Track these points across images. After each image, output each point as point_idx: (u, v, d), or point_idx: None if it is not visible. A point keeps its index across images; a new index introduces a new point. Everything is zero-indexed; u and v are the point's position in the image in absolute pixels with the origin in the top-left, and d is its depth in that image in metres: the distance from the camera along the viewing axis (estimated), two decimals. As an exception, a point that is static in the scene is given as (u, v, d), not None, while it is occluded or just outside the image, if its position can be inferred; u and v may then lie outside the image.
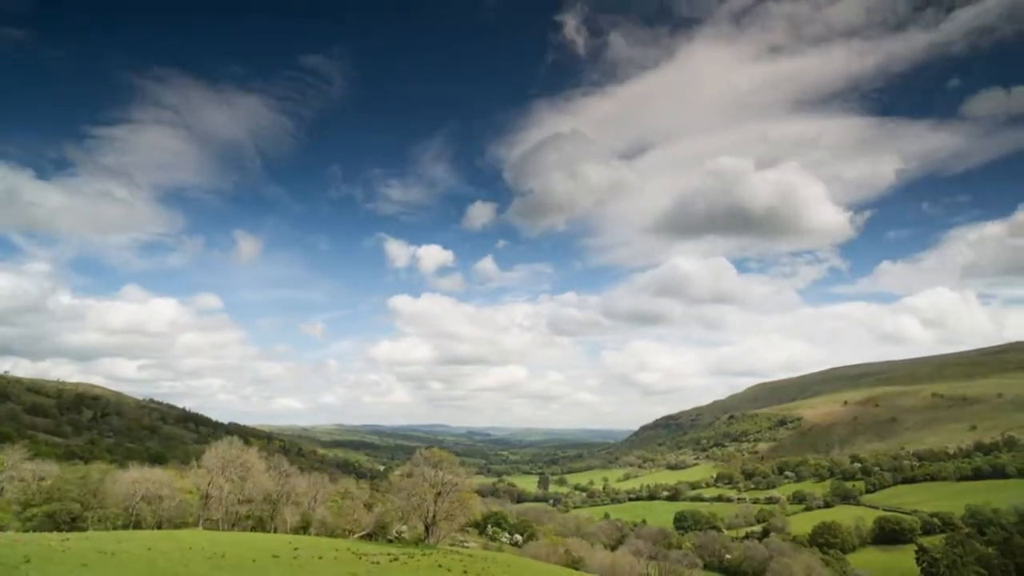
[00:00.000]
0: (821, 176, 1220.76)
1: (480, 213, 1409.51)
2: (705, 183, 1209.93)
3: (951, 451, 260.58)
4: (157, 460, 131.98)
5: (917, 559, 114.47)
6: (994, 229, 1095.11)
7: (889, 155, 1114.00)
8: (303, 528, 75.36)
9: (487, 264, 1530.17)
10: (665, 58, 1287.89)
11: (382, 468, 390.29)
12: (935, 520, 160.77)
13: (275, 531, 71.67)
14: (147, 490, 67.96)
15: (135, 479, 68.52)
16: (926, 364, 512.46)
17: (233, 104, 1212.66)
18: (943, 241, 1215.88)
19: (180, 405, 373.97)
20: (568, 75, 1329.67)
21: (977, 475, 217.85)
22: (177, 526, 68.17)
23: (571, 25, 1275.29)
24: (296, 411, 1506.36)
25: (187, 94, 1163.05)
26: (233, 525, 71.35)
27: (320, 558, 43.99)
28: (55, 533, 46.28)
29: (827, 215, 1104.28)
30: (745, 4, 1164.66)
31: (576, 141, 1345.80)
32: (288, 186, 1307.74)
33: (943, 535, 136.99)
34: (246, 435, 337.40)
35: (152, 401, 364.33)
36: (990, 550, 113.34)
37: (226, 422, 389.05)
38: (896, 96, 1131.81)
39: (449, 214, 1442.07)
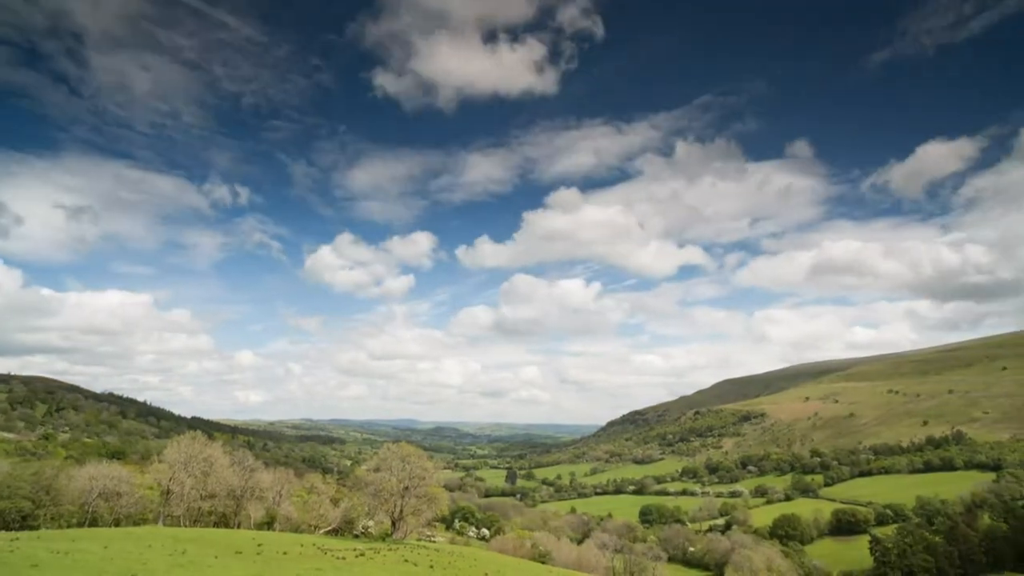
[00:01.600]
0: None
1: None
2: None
3: (904, 445, 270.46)
4: (116, 456, 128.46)
5: (870, 549, 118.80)
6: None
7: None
8: (267, 524, 74.41)
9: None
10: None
11: (349, 463, 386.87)
12: (888, 511, 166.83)
13: (239, 527, 70.58)
14: (104, 487, 66.20)
15: (92, 475, 66.66)
16: (883, 362, 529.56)
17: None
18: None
19: (140, 399, 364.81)
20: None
21: (928, 468, 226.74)
22: (136, 523, 66.61)
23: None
24: (261, 405, 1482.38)
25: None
26: (195, 521, 70.06)
27: (284, 554, 43.48)
28: (3, 533, 44.81)
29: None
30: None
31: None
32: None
33: (895, 525, 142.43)
34: (209, 430, 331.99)
35: (111, 395, 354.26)
36: (937, 539, 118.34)
37: (189, 416, 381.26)
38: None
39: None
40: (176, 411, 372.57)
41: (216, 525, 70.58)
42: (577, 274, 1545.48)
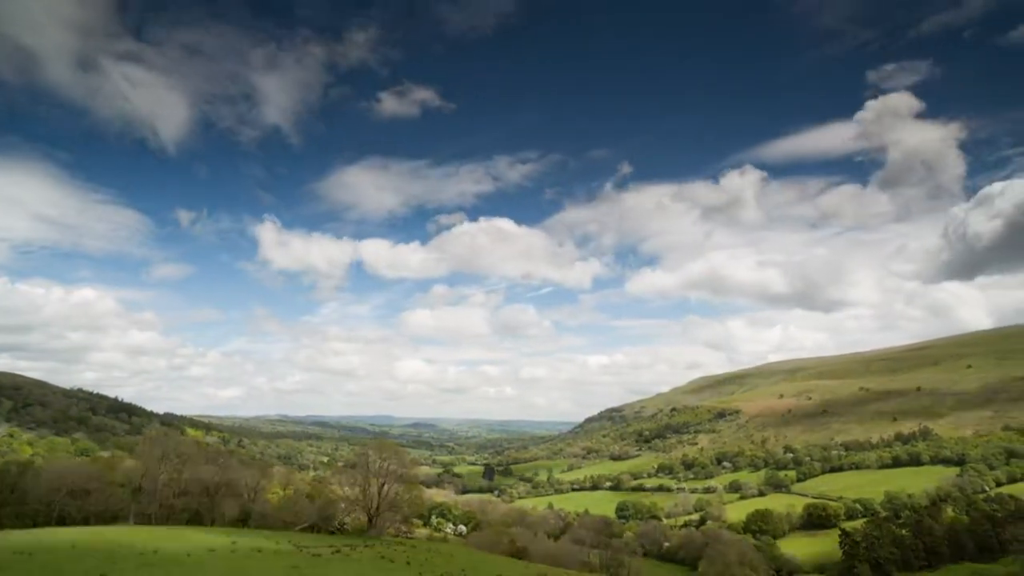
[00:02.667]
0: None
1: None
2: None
3: (874, 441, 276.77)
4: (85, 452, 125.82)
5: (840, 542, 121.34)
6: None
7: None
8: (242, 521, 73.46)
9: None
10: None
11: (326, 459, 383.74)
12: (857, 506, 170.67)
13: (213, 524, 69.61)
14: (73, 484, 64.80)
15: (59, 473, 65.21)
16: (855, 359, 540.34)
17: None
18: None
19: (112, 395, 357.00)
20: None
21: (896, 463, 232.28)
22: (106, 521, 65.29)
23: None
24: (237, 402, 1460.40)
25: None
26: (167, 519, 68.93)
27: (259, 551, 43.08)
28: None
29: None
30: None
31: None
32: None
33: (864, 519, 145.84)
34: (183, 426, 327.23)
35: (80, 391, 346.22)
36: (904, 532, 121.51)
37: (162, 412, 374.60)
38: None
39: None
40: (149, 407, 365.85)
41: (189, 523, 69.50)
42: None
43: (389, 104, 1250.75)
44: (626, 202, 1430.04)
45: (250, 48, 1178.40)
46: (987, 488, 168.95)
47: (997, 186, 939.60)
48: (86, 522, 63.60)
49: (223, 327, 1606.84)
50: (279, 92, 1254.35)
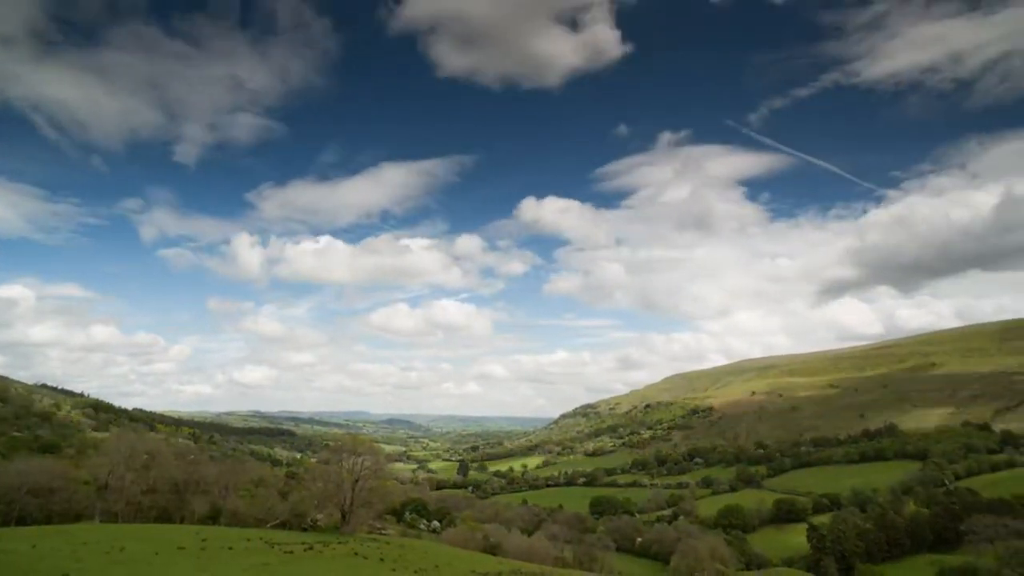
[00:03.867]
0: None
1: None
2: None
3: (842, 437, 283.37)
4: (49, 450, 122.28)
5: (808, 536, 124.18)
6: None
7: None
8: (213, 518, 72.32)
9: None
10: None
11: (299, 455, 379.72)
12: (825, 500, 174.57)
13: (182, 522, 68.45)
14: (35, 482, 63.10)
15: (20, 470, 63.46)
16: (825, 357, 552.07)
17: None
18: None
19: (78, 390, 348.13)
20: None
21: (863, 458, 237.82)
22: (70, 520, 63.74)
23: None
24: (209, 398, 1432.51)
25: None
26: (135, 517, 67.57)
27: (230, 548, 42.53)
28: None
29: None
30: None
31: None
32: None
33: (831, 513, 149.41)
34: (153, 422, 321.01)
35: (44, 386, 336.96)
36: (868, 525, 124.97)
37: (130, 408, 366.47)
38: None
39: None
40: (118, 403, 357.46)
41: (157, 520, 68.25)
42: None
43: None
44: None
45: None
46: (947, 482, 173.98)
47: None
48: (48, 521, 61.97)
49: (193, 323, 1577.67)
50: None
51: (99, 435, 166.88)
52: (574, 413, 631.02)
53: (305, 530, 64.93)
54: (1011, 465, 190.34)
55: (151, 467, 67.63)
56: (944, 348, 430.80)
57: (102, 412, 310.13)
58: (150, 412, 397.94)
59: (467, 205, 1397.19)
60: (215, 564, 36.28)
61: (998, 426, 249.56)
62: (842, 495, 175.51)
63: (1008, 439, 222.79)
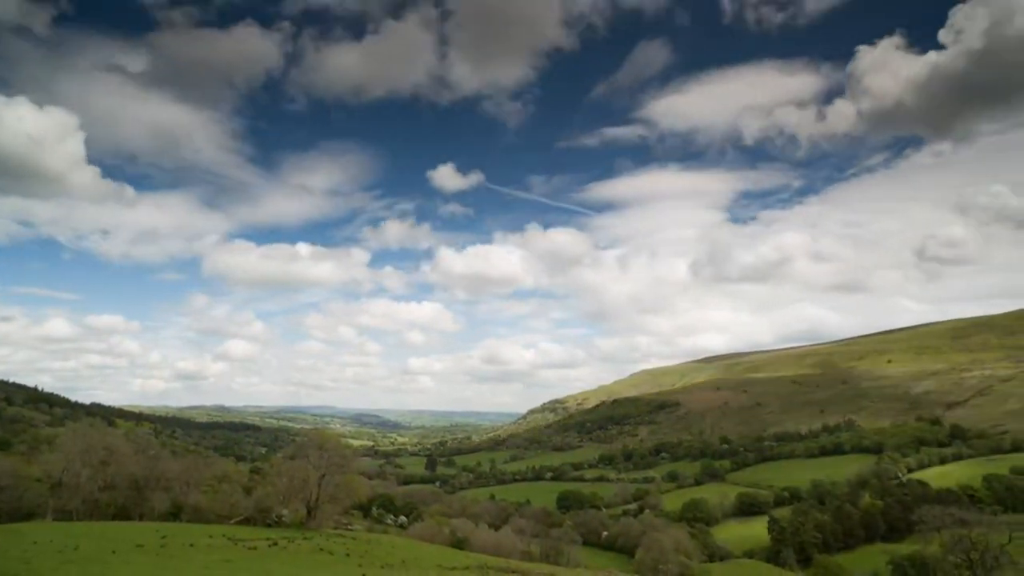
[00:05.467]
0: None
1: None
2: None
3: (803, 432, 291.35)
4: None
5: (768, 528, 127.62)
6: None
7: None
8: (174, 515, 70.71)
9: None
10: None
11: (264, 450, 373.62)
12: (786, 493, 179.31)
13: (141, 519, 66.79)
14: (-17, 479, 60.83)
15: (-33, 468, 61.06)
16: (788, 355, 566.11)
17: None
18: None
19: (31, 384, 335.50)
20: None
21: (822, 452, 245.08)
22: (20, 519, 61.58)
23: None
24: (172, 392, 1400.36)
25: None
26: (91, 515, 65.63)
27: (192, 546, 41.75)
28: None
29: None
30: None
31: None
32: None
33: (791, 506, 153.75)
34: (111, 416, 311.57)
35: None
36: (825, 517, 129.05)
37: (87, 403, 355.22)
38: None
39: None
40: (73, 398, 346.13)
41: (115, 518, 66.45)
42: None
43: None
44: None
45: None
46: (900, 475, 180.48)
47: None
48: (-3, 519, 59.83)
49: (156, 314, 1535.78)
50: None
51: (53, 431, 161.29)
52: (542, 408, 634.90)
53: (270, 526, 63.99)
54: (958, 458, 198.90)
55: (109, 463, 65.61)
56: (900, 346, 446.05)
57: (57, 407, 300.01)
58: (108, 407, 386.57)
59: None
60: (175, 561, 35.56)
61: (948, 421, 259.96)
62: (802, 488, 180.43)
63: (956, 433, 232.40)
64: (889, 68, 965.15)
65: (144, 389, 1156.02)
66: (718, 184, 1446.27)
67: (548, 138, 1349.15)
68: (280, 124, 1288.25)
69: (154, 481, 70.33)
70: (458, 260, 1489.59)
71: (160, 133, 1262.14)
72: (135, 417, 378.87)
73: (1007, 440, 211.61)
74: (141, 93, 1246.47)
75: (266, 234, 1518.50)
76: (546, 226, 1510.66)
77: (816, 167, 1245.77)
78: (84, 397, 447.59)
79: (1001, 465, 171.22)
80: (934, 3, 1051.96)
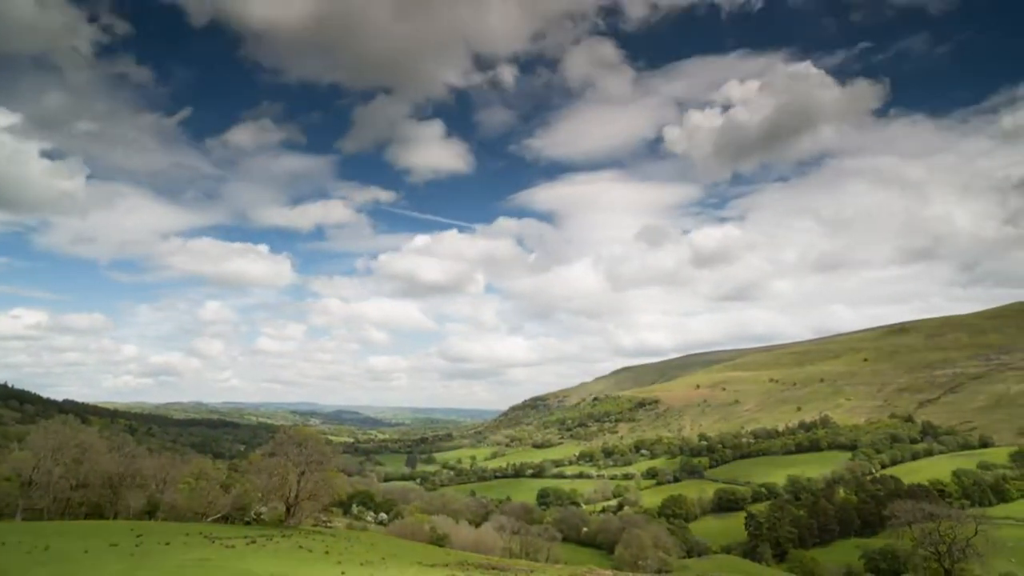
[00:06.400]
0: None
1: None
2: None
3: (780, 429, 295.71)
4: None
5: (746, 524, 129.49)
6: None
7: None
8: (149, 513, 69.75)
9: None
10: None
11: (243, 447, 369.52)
12: (763, 490, 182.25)
13: (115, 517, 65.76)
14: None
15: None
16: (767, 353, 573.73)
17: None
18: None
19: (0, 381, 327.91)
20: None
21: (799, 449, 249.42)
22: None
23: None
24: (149, 388, 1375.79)
25: None
26: (63, 514, 64.45)
27: (167, 544, 41.18)
28: None
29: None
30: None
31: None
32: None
33: (768, 502, 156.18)
34: (84, 414, 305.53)
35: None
36: (801, 512, 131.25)
37: (60, 400, 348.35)
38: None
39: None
40: (45, 394, 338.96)
41: (88, 516, 65.34)
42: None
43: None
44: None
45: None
46: (874, 471, 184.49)
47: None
48: (-36, 519, 58.49)
49: (131, 308, 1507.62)
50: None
51: (24, 428, 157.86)
52: (523, 405, 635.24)
53: (248, 524, 63.47)
54: (929, 453, 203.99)
55: (82, 461, 64.42)
56: (876, 345, 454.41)
57: (27, 404, 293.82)
58: (82, 404, 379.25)
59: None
60: (150, 560, 35.02)
61: (920, 418, 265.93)
62: (779, 484, 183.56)
63: (928, 430, 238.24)
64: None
65: (119, 386, 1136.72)
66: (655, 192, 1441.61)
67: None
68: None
69: (129, 479, 69.30)
70: (409, 259, 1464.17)
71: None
72: (110, 414, 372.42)
73: (975, 436, 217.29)
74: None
75: (233, 232, 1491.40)
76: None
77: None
78: (56, 394, 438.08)
79: (969, 460, 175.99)
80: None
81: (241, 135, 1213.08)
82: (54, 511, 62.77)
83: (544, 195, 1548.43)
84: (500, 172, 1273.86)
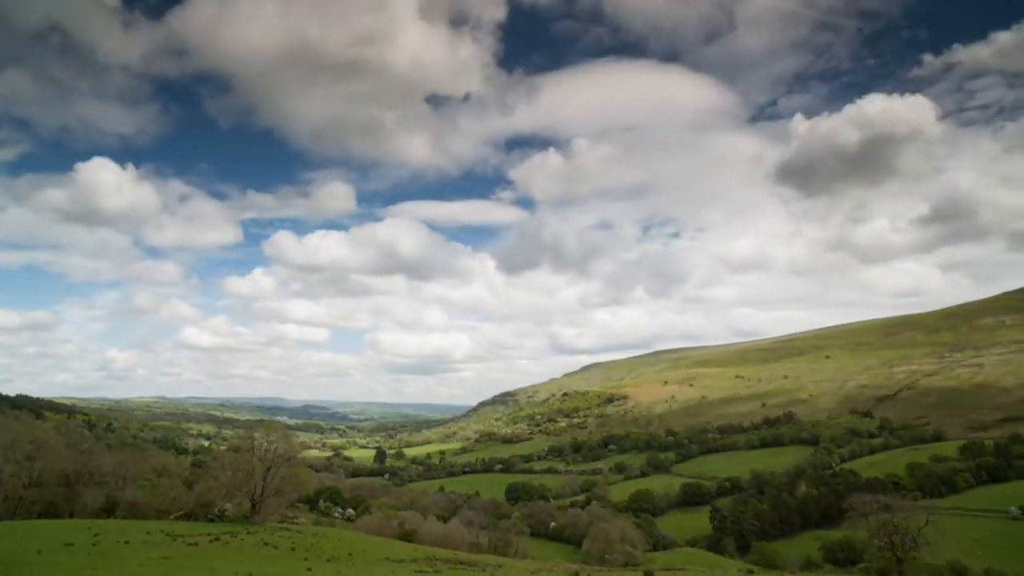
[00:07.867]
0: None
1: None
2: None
3: (745, 425, 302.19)
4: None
5: (710, 517, 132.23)
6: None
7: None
8: (108, 511, 67.86)
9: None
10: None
11: (207, 443, 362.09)
12: (727, 484, 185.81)
13: (72, 516, 63.80)
14: None
15: None
16: (733, 350, 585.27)
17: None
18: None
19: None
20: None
21: (763, 444, 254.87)
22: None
23: None
24: (109, 382, 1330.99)
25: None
26: (14, 513, 62.25)
27: (127, 543, 40.08)
28: None
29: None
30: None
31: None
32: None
33: (732, 496, 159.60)
34: (39, 409, 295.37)
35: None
36: (764, 506, 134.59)
37: (12, 395, 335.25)
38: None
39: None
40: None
41: (42, 516, 63.22)
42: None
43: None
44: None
45: None
46: (834, 465, 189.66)
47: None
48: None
49: (91, 299, 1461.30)
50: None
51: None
52: (493, 401, 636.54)
53: (212, 521, 62.20)
54: (886, 448, 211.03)
55: (36, 458, 62.45)
56: (837, 342, 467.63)
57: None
58: (36, 399, 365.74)
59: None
60: (108, 560, 34.07)
61: (878, 413, 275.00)
62: (743, 479, 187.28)
63: (885, 425, 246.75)
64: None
65: (77, 382, 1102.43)
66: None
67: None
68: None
69: (86, 476, 67.44)
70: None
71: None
72: (67, 409, 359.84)
73: (929, 431, 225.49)
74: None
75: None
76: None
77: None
78: (9, 389, 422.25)
79: (923, 454, 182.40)
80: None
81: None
82: (4, 511, 60.57)
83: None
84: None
